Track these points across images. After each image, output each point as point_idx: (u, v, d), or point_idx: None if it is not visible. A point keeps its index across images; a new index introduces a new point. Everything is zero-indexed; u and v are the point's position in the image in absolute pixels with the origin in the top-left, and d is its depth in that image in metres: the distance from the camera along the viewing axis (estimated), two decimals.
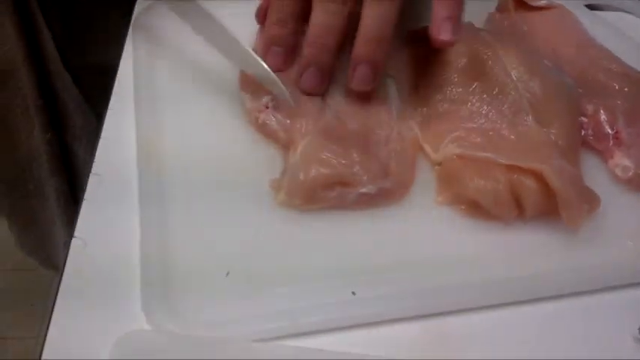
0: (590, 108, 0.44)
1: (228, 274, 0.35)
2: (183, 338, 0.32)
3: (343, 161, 0.39)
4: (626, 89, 0.45)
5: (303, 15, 0.42)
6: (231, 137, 0.43)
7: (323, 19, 0.41)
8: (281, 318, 0.33)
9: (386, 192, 0.39)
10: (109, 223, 0.38)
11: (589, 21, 0.53)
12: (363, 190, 0.38)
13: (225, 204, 0.38)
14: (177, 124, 0.44)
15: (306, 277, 0.35)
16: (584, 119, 0.44)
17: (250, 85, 0.45)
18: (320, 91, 0.43)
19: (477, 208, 0.38)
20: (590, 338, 0.34)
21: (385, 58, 0.41)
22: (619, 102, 0.44)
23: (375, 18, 0.40)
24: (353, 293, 0.34)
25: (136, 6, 0.56)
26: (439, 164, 0.41)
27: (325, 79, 0.43)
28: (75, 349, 0.32)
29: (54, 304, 0.34)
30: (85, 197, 0.39)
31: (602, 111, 0.44)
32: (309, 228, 0.37)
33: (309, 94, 0.43)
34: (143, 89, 0.47)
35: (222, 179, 0.40)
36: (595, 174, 0.42)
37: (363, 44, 0.40)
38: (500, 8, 0.53)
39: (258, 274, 0.35)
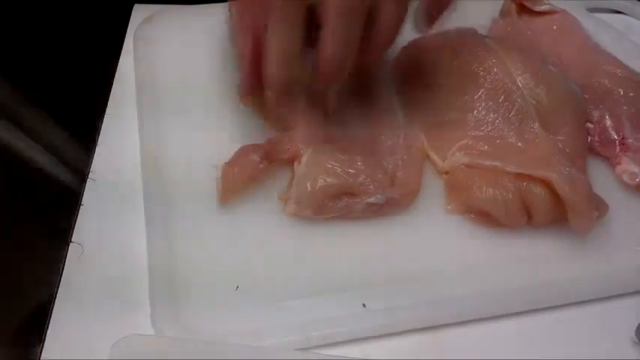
0: (595, 114, 0.44)
1: (237, 287, 0.34)
2: (180, 341, 0.32)
3: (349, 170, 0.39)
4: (631, 94, 0.45)
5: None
6: (234, 147, 0.43)
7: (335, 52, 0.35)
8: (290, 331, 0.33)
9: (393, 201, 0.39)
10: (106, 228, 0.38)
11: (592, 25, 0.53)
12: (371, 199, 0.38)
13: (232, 216, 0.38)
14: (180, 133, 0.43)
15: (315, 289, 0.35)
16: (591, 125, 0.44)
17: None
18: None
19: (486, 217, 0.38)
20: (596, 344, 0.35)
21: None
22: (625, 107, 0.44)
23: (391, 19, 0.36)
24: (363, 305, 0.34)
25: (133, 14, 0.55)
26: (447, 173, 0.41)
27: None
28: (71, 353, 0.32)
29: (52, 308, 0.34)
30: (82, 202, 0.39)
31: (607, 117, 0.44)
32: (318, 239, 0.37)
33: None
34: (145, 99, 0.46)
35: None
36: (602, 180, 0.42)
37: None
38: (504, 14, 0.53)
39: (266, 286, 0.35)
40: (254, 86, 0.38)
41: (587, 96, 0.45)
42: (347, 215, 0.38)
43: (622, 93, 0.45)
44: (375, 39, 0.37)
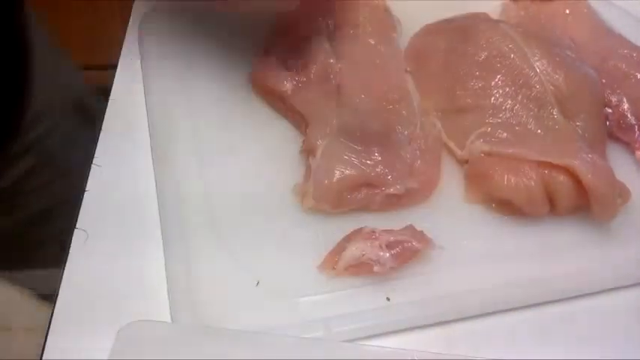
0: (613, 99, 0.43)
1: (258, 283, 0.34)
2: (188, 327, 0.32)
3: (367, 161, 0.38)
4: None
5: None
6: (247, 142, 0.42)
7: None
8: (314, 327, 0.32)
9: (413, 191, 0.38)
10: (110, 213, 0.38)
11: (604, 9, 0.52)
12: (390, 190, 0.37)
13: (249, 211, 0.37)
14: (191, 130, 0.43)
15: (337, 284, 0.34)
16: (609, 110, 0.43)
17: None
18: None
19: (507, 206, 0.37)
20: (609, 330, 0.34)
21: None
22: None
23: None
24: (387, 299, 0.33)
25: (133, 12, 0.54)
26: (466, 161, 0.40)
27: None
28: (77, 340, 0.32)
29: (57, 295, 0.34)
30: (86, 188, 0.39)
31: (625, 101, 0.43)
32: (338, 233, 0.36)
33: None
34: (153, 87, 0.46)
35: (243, 187, 0.39)
36: (622, 166, 0.41)
37: None
38: None
39: (287, 282, 0.34)
40: None
41: (604, 80, 0.44)
42: (366, 208, 0.37)
43: (639, 77, 0.45)
44: None
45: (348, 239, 0.35)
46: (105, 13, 1.19)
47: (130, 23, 0.53)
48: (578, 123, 0.40)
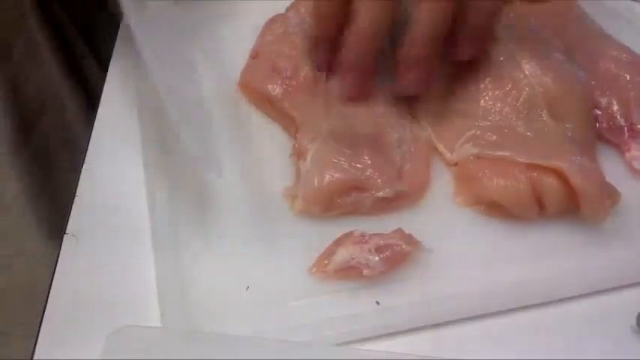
0: (603, 100, 0.44)
1: (247, 288, 0.34)
2: (179, 332, 0.32)
3: (356, 165, 0.38)
4: (637, 79, 0.44)
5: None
6: (236, 146, 0.42)
7: (367, 22, 0.36)
8: (304, 331, 0.32)
9: (402, 195, 0.38)
10: (100, 218, 0.38)
11: (595, 11, 0.52)
12: (380, 194, 0.37)
13: (238, 215, 0.37)
14: (183, 132, 0.42)
15: (327, 288, 0.34)
16: (598, 112, 0.43)
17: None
18: (366, 96, 0.41)
19: (496, 208, 0.37)
20: (597, 332, 0.34)
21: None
22: (632, 93, 0.43)
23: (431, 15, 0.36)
24: (377, 303, 0.33)
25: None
26: (455, 164, 0.40)
27: (370, 84, 0.41)
28: (66, 346, 0.32)
29: (46, 300, 0.34)
30: (76, 193, 0.39)
31: (615, 103, 0.43)
32: (327, 237, 0.36)
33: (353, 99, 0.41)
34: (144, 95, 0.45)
35: (233, 190, 0.39)
36: (612, 167, 0.41)
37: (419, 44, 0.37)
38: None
39: (277, 286, 0.34)
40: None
41: (593, 82, 0.44)
42: (355, 212, 0.37)
43: (629, 78, 0.45)
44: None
45: (337, 243, 0.35)
46: None
47: (121, 24, 0.53)
48: (567, 125, 0.40)
